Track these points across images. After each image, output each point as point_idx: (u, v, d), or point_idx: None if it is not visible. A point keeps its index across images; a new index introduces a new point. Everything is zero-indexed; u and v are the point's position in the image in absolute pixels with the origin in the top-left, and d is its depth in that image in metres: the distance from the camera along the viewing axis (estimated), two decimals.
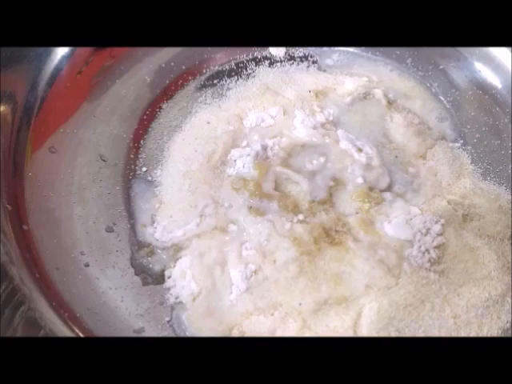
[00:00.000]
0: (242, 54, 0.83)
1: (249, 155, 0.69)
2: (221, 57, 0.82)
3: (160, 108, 0.78)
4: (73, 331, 0.56)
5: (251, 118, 0.74)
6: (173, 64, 0.81)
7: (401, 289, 0.58)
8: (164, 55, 0.80)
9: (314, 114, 0.74)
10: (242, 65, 0.82)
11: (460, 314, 0.58)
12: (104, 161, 0.71)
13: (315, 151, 0.71)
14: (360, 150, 0.71)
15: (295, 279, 0.59)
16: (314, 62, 0.83)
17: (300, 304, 0.58)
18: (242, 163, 0.69)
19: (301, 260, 0.60)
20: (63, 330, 0.56)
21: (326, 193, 0.67)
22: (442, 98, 0.79)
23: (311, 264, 0.60)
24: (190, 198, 0.67)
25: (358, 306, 0.58)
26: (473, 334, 0.58)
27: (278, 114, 0.74)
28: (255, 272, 0.61)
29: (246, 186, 0.67)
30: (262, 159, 0.69)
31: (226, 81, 0.81)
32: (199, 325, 0.60)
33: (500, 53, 0.77)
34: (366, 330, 0.56)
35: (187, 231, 0.65)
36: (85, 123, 0.73)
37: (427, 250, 0.61)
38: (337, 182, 0.68)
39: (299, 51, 0.83)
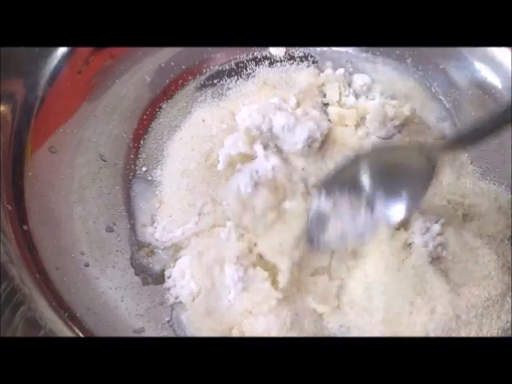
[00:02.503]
0: (241, 54, 0.83)
1: None
2: (221, 57, 0.82)
3: (160, 108, 0.78)
4: (73, 331, 0.56)
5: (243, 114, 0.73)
6: (173, 64, 0.81)
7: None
8: (164, 55, 0.80)
9: None
10: (241, 65, 0.82)
11: (460, 314, 0.58)
12: (104, 161, 0.71)
13: None
14: None
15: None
16: (314, 62, 0.83)
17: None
18: None
19: None
20: (63, 330, 0.55)
21: None
22: (441, 98, 0.79)
23: None
24: (189, 197, 0.67)
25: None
26: (473, 334, 0.58)
27: None
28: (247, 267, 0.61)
29: None
30: None
31: (225, 81, 0.81)
32: (199, 325, 0.60)
33: (500, 53, 0.77)
34: None
35: (186, 230, 0.65)
36: (85, 123, 0.73)
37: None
38: None
39: (299, 51, 0.83)
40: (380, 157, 0.63)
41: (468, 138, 0.55)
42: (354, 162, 0.62)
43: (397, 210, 0.60)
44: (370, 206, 0.61)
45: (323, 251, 0.62)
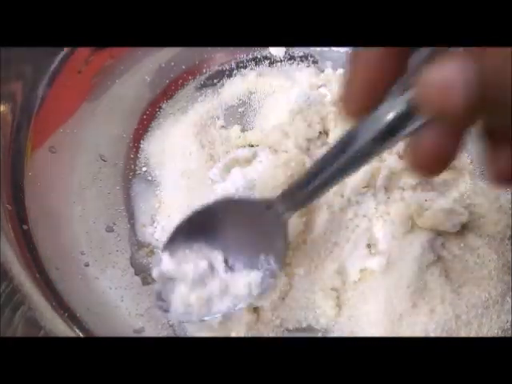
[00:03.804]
0: (241, 54, 0.83)
1: None
2: (221, 57, 0.82)
3: (160, 108, 0.78)
4: (73, 331, 0.56)
5: None
6: (173, 64, 0.81)
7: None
8: (164, 55, 0.80)
9: None
10: (241, 65, 0.82)
11: (460, 313, 0.58)
12: (104, 161, 0.71)
13: None
14: None
15: None
16: (314, 62, 0.83)
17: None
18: None
19: None
20: (63, 330, 0.55)
21: None
22: None
23: None
24: (188, 198, 0.67)
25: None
26: (473, 334, 0.58)
27: None
28: None
29: None
30: None
31: (226, 81, 0.81)
32: (199, 325, 0.60)
33: None
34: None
35: None
36: (85, 123, 0.73)
37: None
38: None
39: (299, 51, 0.83)
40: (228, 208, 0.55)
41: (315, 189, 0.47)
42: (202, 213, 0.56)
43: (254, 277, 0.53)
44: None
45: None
